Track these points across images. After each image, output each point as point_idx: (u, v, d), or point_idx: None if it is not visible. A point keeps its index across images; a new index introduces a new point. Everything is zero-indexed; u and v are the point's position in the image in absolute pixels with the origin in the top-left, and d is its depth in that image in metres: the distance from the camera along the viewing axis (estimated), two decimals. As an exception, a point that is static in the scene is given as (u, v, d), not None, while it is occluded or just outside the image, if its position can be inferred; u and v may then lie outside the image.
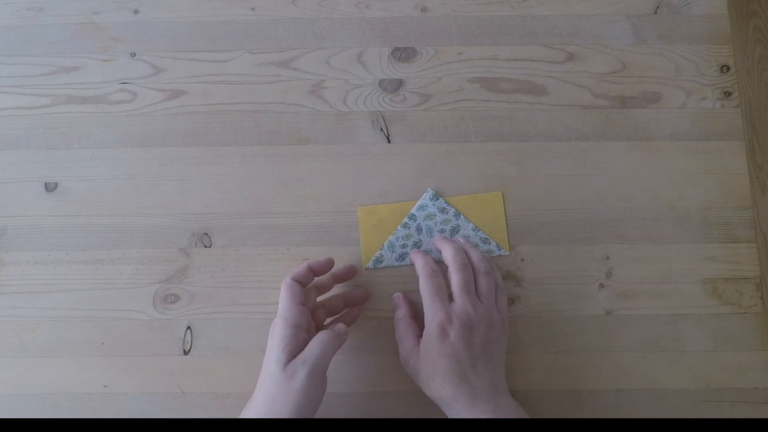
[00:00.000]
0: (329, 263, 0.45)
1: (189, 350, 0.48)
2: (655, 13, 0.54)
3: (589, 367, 0.47)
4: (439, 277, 0.44)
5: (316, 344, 0.40)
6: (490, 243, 0.49)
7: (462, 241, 0.48)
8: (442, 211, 0.50)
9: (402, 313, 0.46)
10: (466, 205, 0.50)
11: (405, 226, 0.49)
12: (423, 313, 0.43)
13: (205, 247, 0.50)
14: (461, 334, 0.41)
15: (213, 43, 0.54)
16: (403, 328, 0.45)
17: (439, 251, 0.47)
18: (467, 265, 0.44)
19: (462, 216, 0.49)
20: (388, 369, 0.47)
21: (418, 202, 0.50)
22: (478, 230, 0.49)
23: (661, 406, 0.46)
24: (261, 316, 0.48)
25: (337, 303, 0.46)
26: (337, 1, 0.55)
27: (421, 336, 0.43)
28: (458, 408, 0.41)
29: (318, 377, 0.39)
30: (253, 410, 0.40)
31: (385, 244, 0.49)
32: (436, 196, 0.50)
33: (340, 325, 0.42)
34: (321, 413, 0.46)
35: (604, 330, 0.48)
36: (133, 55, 0.54)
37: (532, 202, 0.50)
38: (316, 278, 0.45)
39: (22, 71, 0.54)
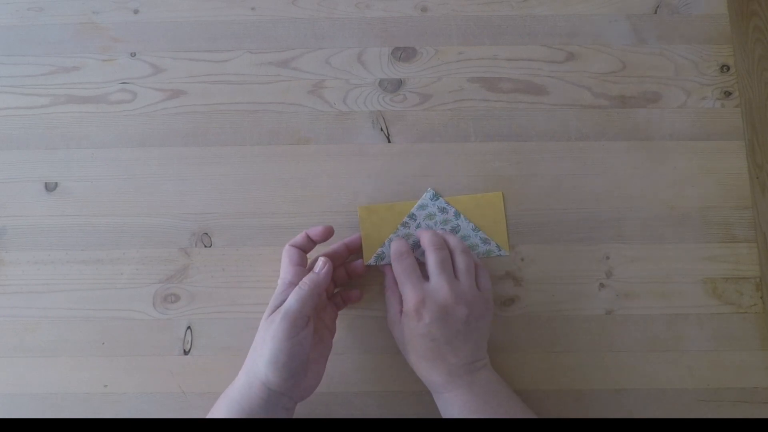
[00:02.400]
0: (328, 231, 0.45)
1: (189, 350, 0.48)
2: (655, 13, 0.54)
3: (589, 367, 0.47)
4: (408, 258, 0.44)
5: (292, 294, 0.41)
6: (490, 243, 0.49)
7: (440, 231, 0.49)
8: (442, 210, 0.50)
9: (389, 280, 0.47)
10: (467, 205, 0.50)
11: (405, 225, 0.49)
12: None
13: (205, 247, 0.50)
14: (436, 315, 0.41)
15: (213, 43, 0.54)
16: (390, 294, 0.46)
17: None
18: (443, 245, 0.45)
19: (462, 216, 0.49)
20: (388, 369, 0.47)
21: (419, 202, 0.50)
22: (478, 230, 0.49)
23: (661, 406, 0.46)
24: (261, 316, 0.48)
25: (339, 272, 0.47)
26: (337, 1, 0.55)
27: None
28: (433, 382, 0.42)
29: (292, 322, 0.39)
30: (246, 360, 0.41)
31: (386, 242, 0.49)
32: (437, 195, 0.50)
33: (320, 260, 0.43)
34: (321, 413, 0.46)
35: (604, 330, 0.48)
36: (133, 55, 0.54)
37: (532, 202, 0.50)
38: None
39: (22, 71, 0.54)
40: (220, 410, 0.40)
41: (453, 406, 0.41)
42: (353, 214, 0.50)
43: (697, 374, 0.47)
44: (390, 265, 0.46)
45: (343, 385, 0.47)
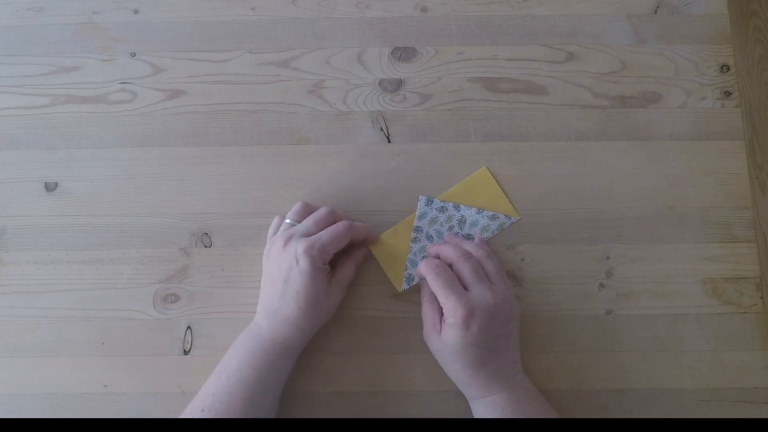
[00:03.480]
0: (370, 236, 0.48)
1: (189, 350, 0.48)
2: (655, 13, 0.54)
3: (589, 367, 0.47)
4: (447, 271, 0.43)
5: (327, 231, 0.44)
6: (498, 217, 0.49)
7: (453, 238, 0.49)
8: (442, 210, 0.50)
9: (427, 291, 0.45)
10: (460, 193, 0.50)
11: (415, 240, 0.49)
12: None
13: (205, 246, 0.50)
14: (483, 323, 0.41)
15: (213, 43, 0.54)
16: (427, 306, 0.45)
17: (437, 257, 0.46)
18: (470, 254, 0.45)
19: (461, 205, 0.49)
20: (388, 369, 0.47)
21: (417, 213, 0.49)
22: (482, 211, 0.49)
23: (661, 406, 0.46)
24: (261, 316, 0.48)
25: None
26: (337, 1, 0.55)
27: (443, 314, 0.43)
28: (475, 387, 0.42)
29: (320, 255, 0.42)
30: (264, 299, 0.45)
31: (407, 263, 0.48)
32: (430, 199, 0.50)
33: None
34: (321, 413, 0.46)
35: (604, 330, 0.48)
36: (133, 55, 0.54)
37: (532, 202, 0.50)
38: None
39: (22, 71, 0.54)
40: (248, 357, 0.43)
41: (495, 409, 0.42)
42: (353, 214, 0.50)
43: (697, 374, 0.47)
44: (423, 281, 0.46)
45: (343, 385, 0.47)
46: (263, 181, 0.51)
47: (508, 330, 0.43)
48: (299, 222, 0.46)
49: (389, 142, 0.52)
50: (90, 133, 0.52)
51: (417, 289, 0.48)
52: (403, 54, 0.54)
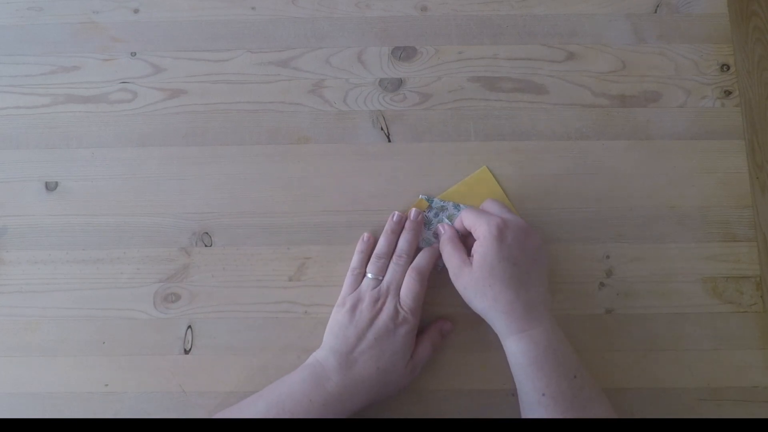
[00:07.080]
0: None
1: (189, 349, 0.48)
2: (655, 12, 0.54)
3: (589, 367, 0.47)
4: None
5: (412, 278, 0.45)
6: None
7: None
8: (442, 209, 0.50)
9: (448, 235, 0.46)
10: (461, 193, 0.50)
11: None
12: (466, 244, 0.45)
13: (206, 246, 0.50)
14: (517, 236, 0.42)
15: (213, 43, 0.54)
16: (451, 247, 0.45)
17: (470, 228, 0.46)
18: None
19: (461, 205, 0.49)
20: (389, 368, 0.47)
21: None
22: None
23: (661, 405, 0.46)
24: (261, 315, 0.48)
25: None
26: (337, 0, 0.55)
27: (469, 255, 0.44)
28: (514, 317, 0.41)
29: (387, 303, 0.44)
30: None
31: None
32: (430, 198, 0.50)
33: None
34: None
35: (604, 329, 0.48)
36: (133, 54, 0.54)
37: (532, 201, 0.50)
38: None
39: (22, 71, 0.54)
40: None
41: (535, 344, 0.40)
42: (353, 214, 0.50)
43: (697, 373, 0.47)
44: (447, 226, 0.47)
45: (343, 384, 0.47)
46: (263, 180, 0.51)
47: (539, 259, 0.43)
48: (380, 275, 0.46)
49: (389, 141, 0.52)
50: (90, 133, 0.52)
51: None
52: (403, 53, 0.54)
